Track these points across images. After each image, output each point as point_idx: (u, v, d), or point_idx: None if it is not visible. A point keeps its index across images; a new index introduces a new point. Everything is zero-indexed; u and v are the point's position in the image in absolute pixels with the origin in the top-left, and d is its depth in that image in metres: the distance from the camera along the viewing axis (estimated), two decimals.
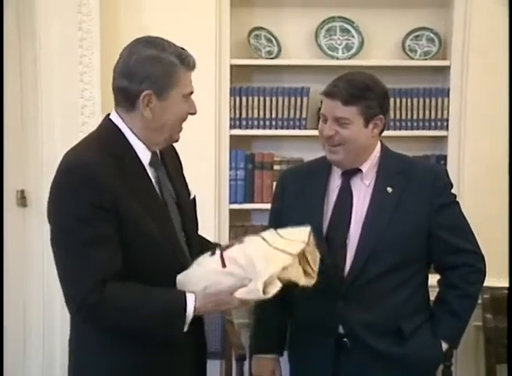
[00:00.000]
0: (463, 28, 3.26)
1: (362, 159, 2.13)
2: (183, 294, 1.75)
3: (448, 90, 3.33)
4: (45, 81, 3.05)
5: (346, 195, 2.13)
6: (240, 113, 3.32)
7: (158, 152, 1.90)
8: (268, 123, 3.34)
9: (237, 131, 3.33)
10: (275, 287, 1.73)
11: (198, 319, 1.82)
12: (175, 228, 1.85)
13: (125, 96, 1.78)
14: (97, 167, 1.70)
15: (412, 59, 3.38)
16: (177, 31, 3.09)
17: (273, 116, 3.34)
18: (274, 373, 2.28)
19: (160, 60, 1.75)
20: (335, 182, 2.17)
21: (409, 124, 3.36)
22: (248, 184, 3.38)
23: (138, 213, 1.74)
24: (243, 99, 3.31)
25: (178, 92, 1.78)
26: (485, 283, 3.10)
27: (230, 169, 3.33)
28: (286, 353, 2.35)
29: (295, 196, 2.20)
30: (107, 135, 1.81)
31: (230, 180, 3.34)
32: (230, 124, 3.30)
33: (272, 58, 3.35)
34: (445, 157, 3.37)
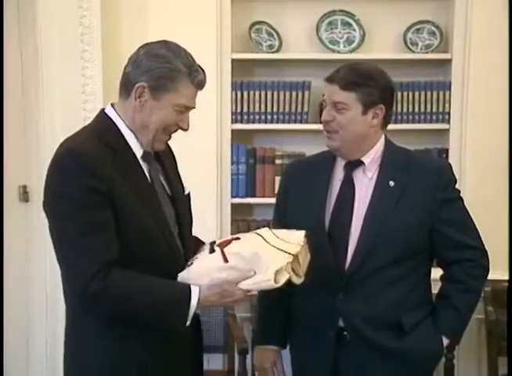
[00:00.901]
0: (465, 21, 3.25)
1: (362, 149, 2.12)
2: (188, 285, 1.77)
3: (450, 83, 3.33)
4: (46, 76, 3.05)
5: (348, 188, 2.13)
6: (242, 108, 3.32)
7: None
8: (269, 117, 3.34)
9: (239, 126, 3.33)
10: (284, 277, 1.76)
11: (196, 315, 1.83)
12: (168, 219, 1.87)
13: (125, 83, 1.82)
14: (93, 153, 1.73)
15: (414, 52, 3.38)
16: (178, 25, 3.13)
17: (274, 110, 3.34)
18: (275, 364, 2.28)
19: (168, 62, 1.78)
20: (338, 175, 2.16)
21: (410, 117, 3.36)
22: (250, 178, 3.38)
23: (131, 201, 1.75)
24: (245, 93, 3.31)
25: (172, 99, 1.79)
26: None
27: (232, 164, 3.34)
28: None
29: (299, 190, 2.20)
30: (102, 127, 1.84)
31: (232, 175, 3.34)
32: (231, 119, 3.30)
33: (273, 52, 3.35)
34: (446, 151, 3.37)
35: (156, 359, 1.82)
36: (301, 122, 3.34)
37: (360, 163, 2.13)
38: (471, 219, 2.20)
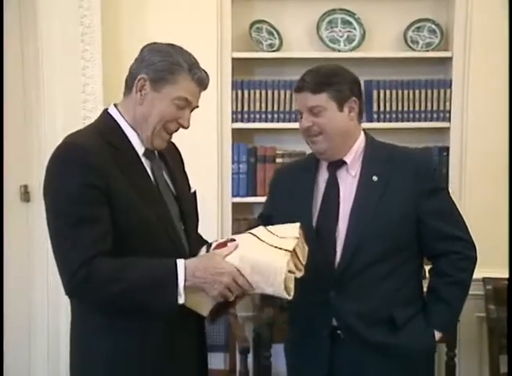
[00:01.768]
0: (465, 19, 3.25)
1: (346, 147, 2.14)
2: (173, 259, 1.76)
3: (451, 81, 3.33)
4: (47, 76, 3.05)
5: (332, 188, 2.15)
6: (242, 107, 3.32)
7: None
8: (270, 116, 3.34)
9: (239, 125, 3.33)
10: (291, 281, 1.78)
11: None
12: (172, 216, 1.87)
13: (129, 78, 1.86)
14: (92, 149, 1.75)
15: (414, 50, 3.38)
16: (179, 24, 3.13)
17: (275, 109, 3.34)
18: None
19: (170, 57, 1.82)
20: (323, 177, 2.19)
21: (411, 115, 3.36)
22: (250, 177, 3.38)
23: (131, 198, 1.76)
24: (245, 92, 3.31)
25: (172, 91, 1.81)
26: (488, 275, 3.15)
27: (232, 163, 3.34)
28: (282, 346, 2.36)
29: (285, 194, 2.23)
30: (104, 126, 1.86)
31: (233, 174, 3.35)
32: (232, 118, 3.30)
33: (273, 51, 3.35)
34: (447, 149, 3.37)
35: (160, 350, 1.83)
36: None
37: (343, 162, 2.15)
38: (457, 210, 2.20)
